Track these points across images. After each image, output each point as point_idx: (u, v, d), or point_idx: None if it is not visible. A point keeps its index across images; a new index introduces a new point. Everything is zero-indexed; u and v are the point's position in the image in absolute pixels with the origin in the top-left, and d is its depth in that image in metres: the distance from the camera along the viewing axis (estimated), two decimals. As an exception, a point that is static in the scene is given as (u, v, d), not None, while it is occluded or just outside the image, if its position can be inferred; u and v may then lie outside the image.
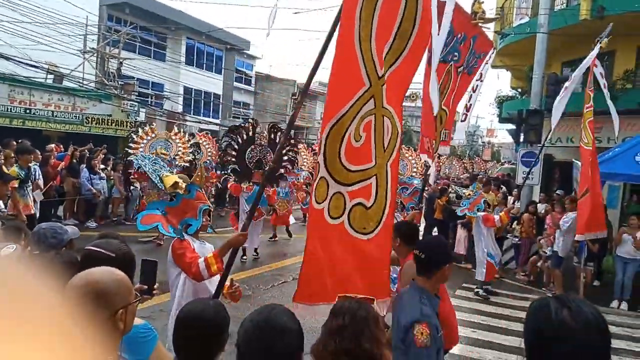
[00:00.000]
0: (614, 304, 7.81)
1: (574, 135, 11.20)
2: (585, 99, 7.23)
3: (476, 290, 8.04)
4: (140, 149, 8.64)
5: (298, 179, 12.04)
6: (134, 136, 9.18)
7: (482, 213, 7.58)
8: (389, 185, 2.97)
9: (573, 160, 9.12)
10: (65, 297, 1.35)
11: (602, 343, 1.19)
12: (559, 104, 6.81)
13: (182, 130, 10.86)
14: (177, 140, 9.38)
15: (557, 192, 10.70)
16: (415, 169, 7.88)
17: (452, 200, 10.86)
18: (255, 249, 8.95)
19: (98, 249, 1.98)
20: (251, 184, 8.00)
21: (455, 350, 5.60)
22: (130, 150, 8.92)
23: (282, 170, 7.76)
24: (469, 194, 8.12)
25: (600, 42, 6.58)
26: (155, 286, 2.49)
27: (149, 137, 9.00)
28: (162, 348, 2.23)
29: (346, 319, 1.83)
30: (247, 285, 6.86)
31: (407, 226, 3.80)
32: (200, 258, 3.04)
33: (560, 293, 1.38)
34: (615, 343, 6.10)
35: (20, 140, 8.64)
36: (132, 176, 10.21)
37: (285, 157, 7.68)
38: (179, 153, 9.21)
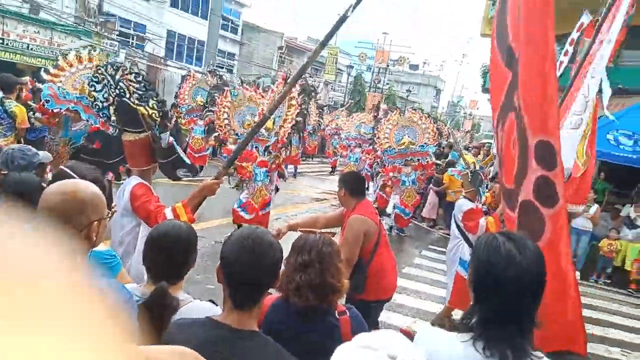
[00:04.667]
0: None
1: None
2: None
3: None
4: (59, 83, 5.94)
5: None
6: (50, 68, 6.07)
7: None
8: None
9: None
10: (43, 202, 1.43)
11: (541, 269, 1.36)
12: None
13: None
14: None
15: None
16: (427, 135, 7.93)
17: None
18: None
19: (68, 171, 2.00)
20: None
21: (409, 301, 5.95)
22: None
23: None
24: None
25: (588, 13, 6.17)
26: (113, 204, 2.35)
27: (72, 69, 6.04)
28: (126, 274, 2.27)
29: (312, 254, 1.85)
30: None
31: (353, 176, 3.63)
32: (166, 207, 2.65)
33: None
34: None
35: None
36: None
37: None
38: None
